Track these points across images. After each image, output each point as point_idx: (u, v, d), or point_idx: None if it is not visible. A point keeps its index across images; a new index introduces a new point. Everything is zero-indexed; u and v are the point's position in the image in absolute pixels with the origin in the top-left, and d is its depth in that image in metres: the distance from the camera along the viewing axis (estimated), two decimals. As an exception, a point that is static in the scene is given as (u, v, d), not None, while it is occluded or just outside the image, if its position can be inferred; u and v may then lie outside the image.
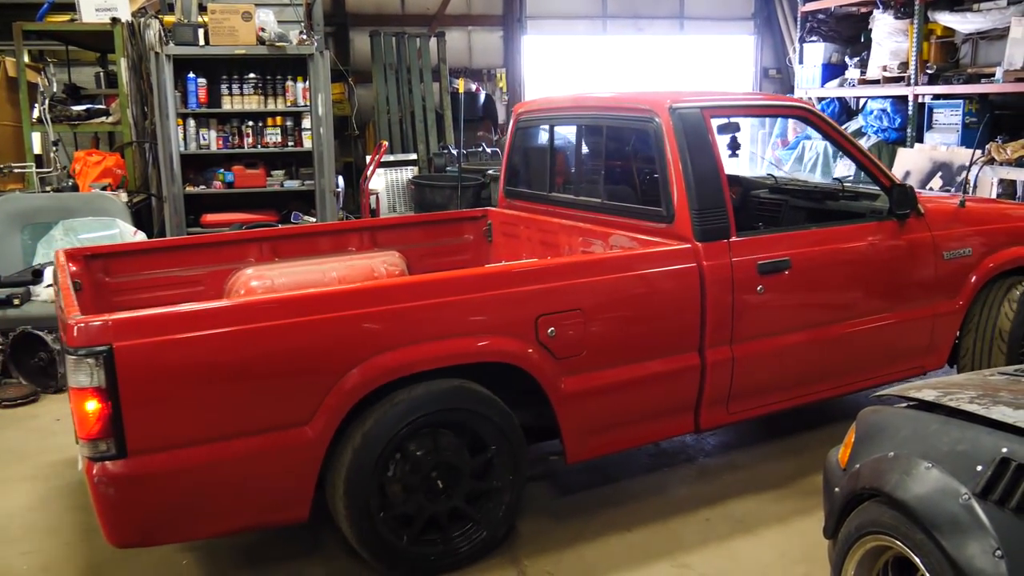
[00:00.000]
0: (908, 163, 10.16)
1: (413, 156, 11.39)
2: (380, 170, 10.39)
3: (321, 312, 3.00)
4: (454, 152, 10.51)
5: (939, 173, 9.69)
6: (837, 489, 2.60)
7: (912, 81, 10.94)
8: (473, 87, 12.31)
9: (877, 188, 4.44)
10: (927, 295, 4.41)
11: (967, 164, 8.65)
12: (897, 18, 11.22)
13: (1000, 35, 9.80)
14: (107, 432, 2.75)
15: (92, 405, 2.73)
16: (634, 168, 4.69)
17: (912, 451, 2.31)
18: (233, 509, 3.03)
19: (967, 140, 10.23)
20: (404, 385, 3.15)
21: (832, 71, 12.69)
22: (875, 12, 11.64)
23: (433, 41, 11.81)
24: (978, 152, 9.47)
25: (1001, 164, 8.99)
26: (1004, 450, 2.08)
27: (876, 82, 11.55)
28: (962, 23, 10.19)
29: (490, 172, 8.92)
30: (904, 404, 2.62)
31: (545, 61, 13.55)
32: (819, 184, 5.51)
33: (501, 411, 3.33)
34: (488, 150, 10.99)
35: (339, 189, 7.98)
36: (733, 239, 3.81)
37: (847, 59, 12.51)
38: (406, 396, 3.14)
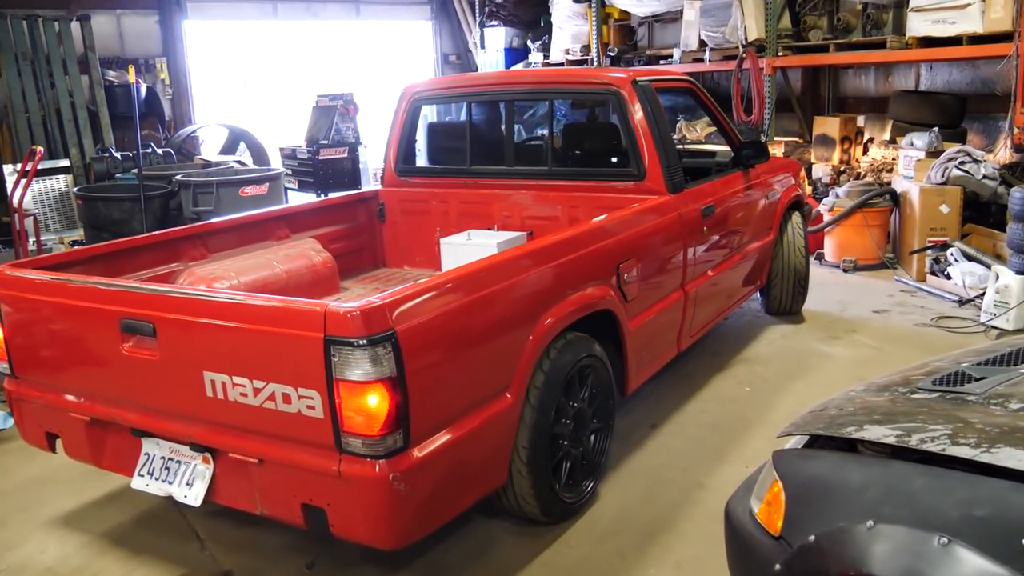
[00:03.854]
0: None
1: (65, 163, 9.57)
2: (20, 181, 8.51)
3: (522, 271, 3.10)
4: (117, 156, 8.95)
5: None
6: (778, 567, 1.97)
7: (595, 63, 11.23)
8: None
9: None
10: (764, 227, 5.39)
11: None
12: (576, 2, 11.45)
13: (673, 18, 10.35)
14: (396, 424, 2.53)
15: (375, 399, 2.48)
16: (591, 135, 5.22)
17: (902, 518, 1.76)
18: (468, 484, 2.95)
19: (654, 119, 10.67)
20: (554, 341, 3.23)
21: (515, 55, 12.76)
22: (553, -3, 11.82)
23: (76, 25, 9.97)
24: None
25: (692, 142, 9.46)
26: (1057, 516, 1.65)
27: (560, 65, 11.76)
28: (638, 7, 10.61)
29: (178, 177, 7.57)
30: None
31: (212, 49, 12.12)
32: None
33: (602, 355, 3.57)
34: (159, 151, 9.52)
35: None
36: (686, 190, 4.38)
37: (529, 43, 12.64)
38: (566, 346, 3.28)
